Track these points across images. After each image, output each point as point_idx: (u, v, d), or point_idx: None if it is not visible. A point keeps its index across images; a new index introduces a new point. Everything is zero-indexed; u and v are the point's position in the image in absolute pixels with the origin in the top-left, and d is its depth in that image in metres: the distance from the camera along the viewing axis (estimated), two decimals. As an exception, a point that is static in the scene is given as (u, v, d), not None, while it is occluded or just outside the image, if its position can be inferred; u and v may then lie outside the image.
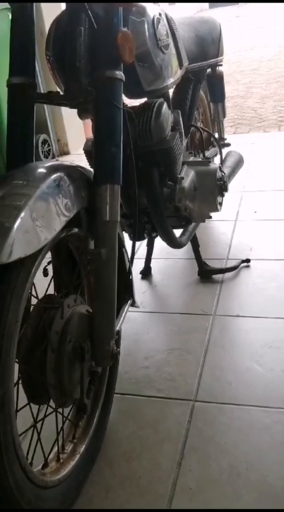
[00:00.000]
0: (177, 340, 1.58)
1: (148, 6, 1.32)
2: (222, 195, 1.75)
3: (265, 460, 1.14)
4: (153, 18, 1.32)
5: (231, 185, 1.91)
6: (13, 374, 0.84)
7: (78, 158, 3.33)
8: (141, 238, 1.66)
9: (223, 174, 1.77)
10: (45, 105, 3.55)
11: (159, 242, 1.73)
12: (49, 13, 3.00)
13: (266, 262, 1.94)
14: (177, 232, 1.66)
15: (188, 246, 1.80)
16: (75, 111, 1.23)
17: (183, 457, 1.18)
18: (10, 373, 0.83)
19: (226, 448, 1.18)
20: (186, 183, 1.56)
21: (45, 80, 3.42)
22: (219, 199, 1.71)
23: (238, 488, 1.08)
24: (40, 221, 0.85)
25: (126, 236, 1.42)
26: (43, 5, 3.22)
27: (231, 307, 1.71)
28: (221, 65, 2.11)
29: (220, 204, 1.74)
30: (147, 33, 1.29)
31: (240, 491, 1.08)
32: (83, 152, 1.53)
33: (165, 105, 1.40)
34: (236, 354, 1.48)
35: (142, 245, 2.07)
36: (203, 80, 1.97)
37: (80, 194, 1.00)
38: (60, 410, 1.08)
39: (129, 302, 1.27)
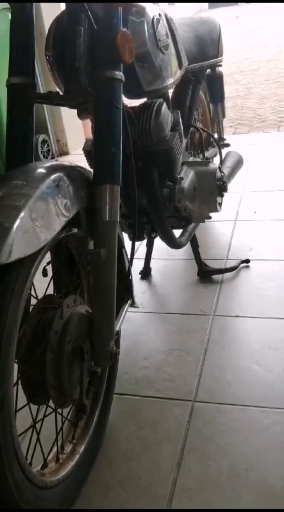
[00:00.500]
0: (177, 341, 1.58)
1: (148, 7, 1.32)
2: (222, 196, 1.75)
3: (265, 460, 1.14)
4: (153, 19, 1.32)
5: (231, 186, 1.90)
6: (12, 374, 0.84)
7: (77, 158, 3.32)
8: (140, 239, 1.66)
9: (222, 174, 1.77)
10: (44, 105, 3.55)
11: (158, 243, 1.73)
12: (49, 13, 3.00)
13: (266, 262, 1.94)
14: (177, 233, 1.66)
15: (188, 247, 1.80)
16: (74, 111, 1.23)
17: (183, 457, 1.18)
18: (10, 373, 0.83)
19: (226, 448, 1.18)
20: (186, 183, 1.56)
21: (45, 80, 3.42)
22: (218, 199, 1.71)
23: (237, 488, 1.08)
24: (39, 221, 0.85)
25: (125, 236, 1.42)
26: (43, 5, 3.21)
27: (230, 308, 1.71)
28: (220, 65, 2.11)
29: (220, 204, 1.74)
30: (146, 34, 1.29)
31: (240, 491, 1.08)
32: (82, 152, 1.53)
33: (164, 106, 1.40)
34: (236, 354, 1.48)
35: (141, 246, 2.07)
36: (203, 81, 1.97)
37: (80, 195, 1.00)
38: (59, 410, 1.08)
39: (128, 302, 1.27)
